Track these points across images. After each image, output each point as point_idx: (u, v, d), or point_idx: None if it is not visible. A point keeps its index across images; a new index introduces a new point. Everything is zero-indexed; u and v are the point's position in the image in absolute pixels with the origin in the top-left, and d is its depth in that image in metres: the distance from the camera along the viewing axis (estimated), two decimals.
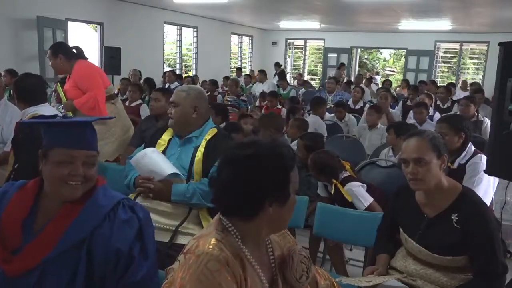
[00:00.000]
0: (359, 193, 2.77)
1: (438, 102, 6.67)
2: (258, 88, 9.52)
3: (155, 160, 2.16)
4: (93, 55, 9.40)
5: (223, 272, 1.11)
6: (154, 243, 1.43)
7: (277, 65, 12.69)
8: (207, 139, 2.23)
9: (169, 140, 2.32)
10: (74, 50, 3.57)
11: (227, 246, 1.17)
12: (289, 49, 16.10)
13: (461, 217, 1.80)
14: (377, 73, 16.55)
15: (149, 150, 2.22)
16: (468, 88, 9.43)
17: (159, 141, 2.33)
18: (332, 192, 2.88)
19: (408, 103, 6.63)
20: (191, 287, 1.10)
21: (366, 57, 20.47)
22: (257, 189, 1.16)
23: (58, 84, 3.76)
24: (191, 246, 1.19)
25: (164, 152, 2.27)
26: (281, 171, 1.19)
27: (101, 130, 3.54)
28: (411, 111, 5.71)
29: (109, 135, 3.64)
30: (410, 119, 5.30)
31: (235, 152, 1.22)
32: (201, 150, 2.19)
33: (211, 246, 1.15)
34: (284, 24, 13.10)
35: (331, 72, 13.86)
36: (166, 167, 2.13)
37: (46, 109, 2.87)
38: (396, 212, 2.05)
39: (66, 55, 3.50)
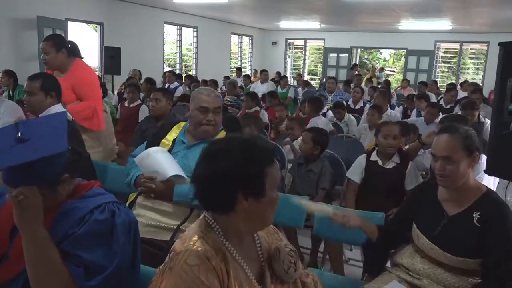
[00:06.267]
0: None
1: (441, 102, 6.74)
2: (258, 88, 9.53)
3: (159, 160, 2.15)
4: (93, 55, 9.40)
5: (202, 266, 1.13)
6: (124, 254, 1.37)
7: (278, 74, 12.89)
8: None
9: (174, 140, 2.31)
10: (69, 46, 3.31)
11: (209, 242, 1.19)
12: (289, 49, 16.09)
13: (483, 215, 1.77)
14: (382, 69, 16.22)
15: (153, 149, 2.20)
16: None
17: (163, 140, 2.32)
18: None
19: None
20: (172, 284, 1.12)
21: (366, 57, 20.46)
22: (227, 182, 1.17)
23: None
24: (175, 244, 1.22)
25: (169, 152, 2.25)
26: (253, 165, 1.18)
27: (92, 138, 3.34)
28: (414, 111, 5.80)
29: (98, 144, 3.41)
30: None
31: (208, 148, 1.25)
32: None
33: (191, 243, 1.17)
34: (284, 24, 13.10)
35: (331, 72, 13.88)
36: (169, 168, 2.12)
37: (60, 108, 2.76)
38: (414, 207, 2.02)
39: (68, 51, 3.23)
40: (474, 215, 1.79)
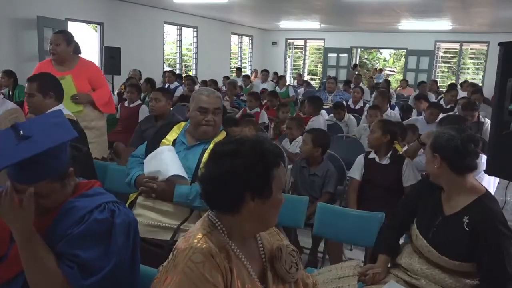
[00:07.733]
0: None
1: (442, 102, 6.75)
2: (259, 87, 9.54)
3: (164, 159, 2.15)
4: (93, 55, 9.40)
5: (207, 263, 1.14)
6: (122, 254, 1.37)
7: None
8: (216, 142, 2.21)
9: (174, 140, 2.30)
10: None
11: (213, 240, 1.20)
12: (289, 49, 16.09)
13: (471, 220, 1.78)
14: (380, 70, 16.20)
15: (160, 149, 2.21)
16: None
17: (163, 140, 2.32)
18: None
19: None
20: (177, 281, 1.12)
21: (366, 57, 20.46)
22: (236, 183, 1.19)
23: (71, 76, 3.47)
24: (179, 242, 1.23)
25: None
26: (261, 167, 1.21)
27: (102, 127, 3.66)
28: (414, 111, 5.79)
29: (104, 131, 3.73)
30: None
31: (218, 148, 1.27)
32: (208, 152, 2.18)
33: (195, 240, 1.19)
34: (284, 24, 13.10)
35: (331, 72, 13.88)
36: (171, 167, 2.12)
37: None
38: (417, 202, 2.03)
39: (74, 47, 3.50)
40: (464, 219, 1.80)
